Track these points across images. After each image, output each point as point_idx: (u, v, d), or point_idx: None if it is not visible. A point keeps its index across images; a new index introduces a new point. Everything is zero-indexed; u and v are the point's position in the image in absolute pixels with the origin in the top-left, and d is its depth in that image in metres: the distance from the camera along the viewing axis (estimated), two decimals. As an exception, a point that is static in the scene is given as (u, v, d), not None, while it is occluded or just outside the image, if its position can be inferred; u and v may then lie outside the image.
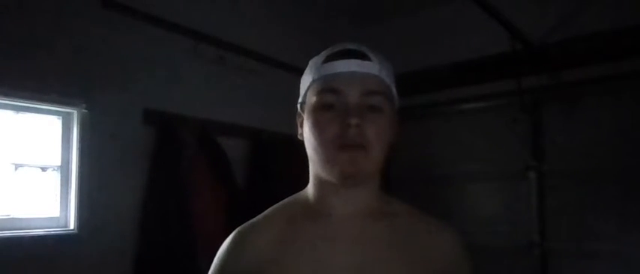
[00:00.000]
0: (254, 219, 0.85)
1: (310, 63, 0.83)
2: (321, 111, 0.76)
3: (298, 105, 0.84)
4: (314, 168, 0.81)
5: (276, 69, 2.86)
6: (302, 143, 0.82)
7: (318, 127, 0.75)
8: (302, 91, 0.83)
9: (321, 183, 0.80)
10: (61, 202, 2.10)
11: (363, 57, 0.78)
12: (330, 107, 0.75)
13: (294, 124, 0.86)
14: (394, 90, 0.82)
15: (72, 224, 2.09)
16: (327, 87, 0.76)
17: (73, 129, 2.13)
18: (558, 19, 2.76)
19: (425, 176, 3.28)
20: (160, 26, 2.39)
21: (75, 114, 2.13)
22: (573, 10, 2.72)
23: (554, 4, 2.79)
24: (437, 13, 3.25)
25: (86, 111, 2.12)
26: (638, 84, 2.58)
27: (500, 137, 2.99)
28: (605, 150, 2.63)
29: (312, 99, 0.78)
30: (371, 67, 0.77)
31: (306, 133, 0.79)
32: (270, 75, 2.88)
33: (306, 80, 0.82)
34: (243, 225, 0.84)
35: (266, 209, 0.87)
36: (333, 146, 0.73)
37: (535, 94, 2.84)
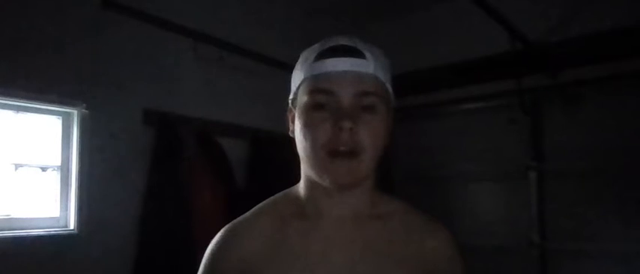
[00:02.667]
0: (244, 216, 0.83)
1: (301, 57, 0.79)
2: (312, 112, 0.73)
3: (289, 101, 0.82)
4: (305, 168, 0.79)
5: (276, 69, 2.86)
6: (293, 140, 0.79)
7: (309, 130, 0.73)
8: (293, 87, 0.80)
9: (312, 184, 0.78)
10: (61, 202, 2.10)
11: (356, 54, 0.74)
12: (321, 107, 0.73)
13: (286, 118, 0.83)
14: (390, 87, 0.78)
15: (72, 224, 2.09)
16: (318, 87, 0.73)
17: (73, 129, 2.13)
18: (558, 19, 2.76)
19: (425, 176, 3.28)
20: (160, 26, 2.39)
21: (75, 114, 2.13)
22: (573, 10, 2.72)
23: (554, 4, 2.79)
24: (437, 13, 3.25)
25: (86, 111, 2.12)
26: (638, 84, 2.58)
27: (500, 137, 2.99)
28: (605, 150, 2.63)
29: (303, 98, 0.75)
30: (365, 65, 0.74)
31: (297, 134, 0.76)
32: (270, 75, 2.87)
33: (297, 76, 0.79)
34: (233, 222, 0.83)
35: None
36: (325, 152, 0.71)
37: (535, 94, 2.84)
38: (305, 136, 0.74)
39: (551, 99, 2.86)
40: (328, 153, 0.71)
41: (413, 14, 3.35)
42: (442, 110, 3.28)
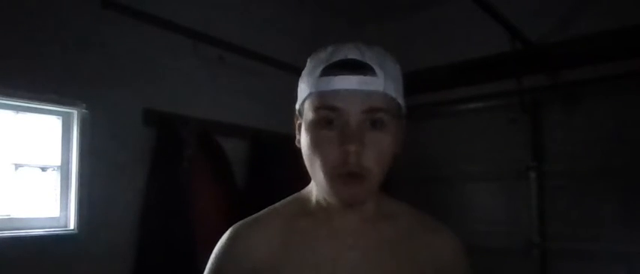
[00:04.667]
0: (253, 217, 0.84)
1: (308, 64, 0.77)
2: (319, 130, 0.72)
3: (296, 110, 0.80)
4: (314, 179, 0.79)
5: (276, 69, 2.86)
6: (299, 150, 0.78)
7: (316, 149, 0.72)
8: (299, 97, 0.78)
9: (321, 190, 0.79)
10: (61, 202, 2.10)
11: (365, 70, 0.70)
12: (328, 124, 0.71)
13: (293, 125, 0.82)
14: (401, 99, 0.76)
15: (72, 224, 2.09)
16: (325, 104, 0.71)
17: (73, 129, 2.13)
18: (558, 19, 2.76)
19: (425, 176, 3.28)
20: (160, 26, 2.39)
21: (75, 114, 2.13)
22: (573, 10, 2.72)
23: (554, 4, 2.79)
24: (437, 13, 3.25)
25: (86, 111, 2.12)
26: (638, 84, 2.58)
27: (500, 137, 2.99)
28: (605, 150, 2.63)
29: (309, 114, 0.73)
30: (375, 82, 0.70)
31: (304, 148, 0.75)
32: (270, 75, 2.87)
33: (303, 88, 0.76)
34: (241, 222, 0.83)
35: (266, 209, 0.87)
36: (332, 174, 0.71)
37: (535, 94, 2.84)
38: (312, 154, 0.73)
39: (551, 99, 2.85)
40: (334, 176, 0.71)
41: (413, 14, 3.35)
42: (442, 110, 3.28)
